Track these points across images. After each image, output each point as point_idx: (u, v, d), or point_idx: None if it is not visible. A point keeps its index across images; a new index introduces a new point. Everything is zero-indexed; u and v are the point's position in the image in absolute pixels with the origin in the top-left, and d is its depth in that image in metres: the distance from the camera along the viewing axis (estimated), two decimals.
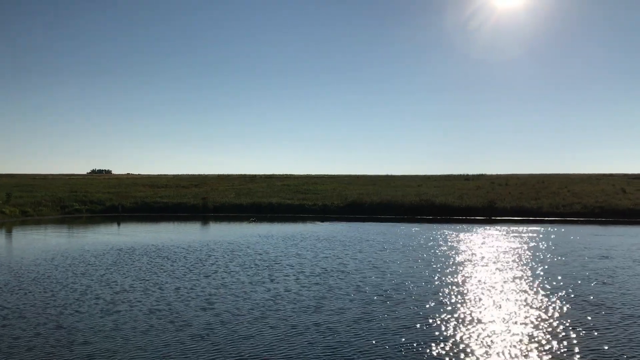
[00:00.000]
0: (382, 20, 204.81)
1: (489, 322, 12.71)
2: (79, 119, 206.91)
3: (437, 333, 11.80)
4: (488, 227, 36.90)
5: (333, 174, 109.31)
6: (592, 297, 15.33)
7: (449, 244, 27.32)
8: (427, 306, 14.24)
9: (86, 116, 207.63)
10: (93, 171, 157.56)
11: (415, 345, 11.01)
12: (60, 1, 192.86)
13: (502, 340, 11.30)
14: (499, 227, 36.96)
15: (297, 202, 52.01)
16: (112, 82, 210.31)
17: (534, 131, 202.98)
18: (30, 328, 12.25)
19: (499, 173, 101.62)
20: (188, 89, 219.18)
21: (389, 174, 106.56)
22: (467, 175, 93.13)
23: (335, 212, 48.81)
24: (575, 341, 11.28)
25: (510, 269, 20.02)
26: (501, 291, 16.13)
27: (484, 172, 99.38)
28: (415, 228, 36.43)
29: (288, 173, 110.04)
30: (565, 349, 10.79)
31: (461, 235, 31.30)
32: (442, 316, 13.19)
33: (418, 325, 12.39)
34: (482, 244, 27.47)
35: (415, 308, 14.03)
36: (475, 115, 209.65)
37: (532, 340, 11.35)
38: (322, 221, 42.27)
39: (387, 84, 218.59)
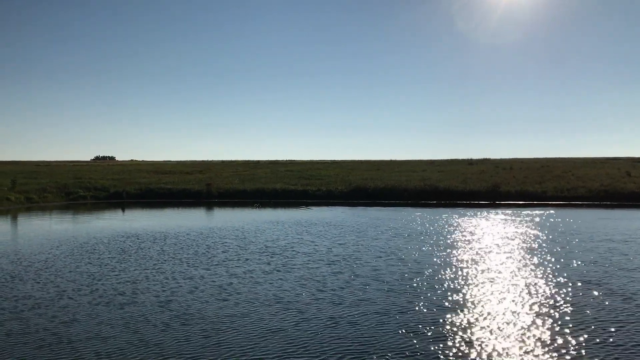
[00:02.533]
0: (384, 7, 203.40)
1: (509, 311, 12.74)
2: (82, 107, 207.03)
3: (461, 324, 11.80)
4: (493, 212, 36.84)
5: (337, 159, 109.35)
6: (596, 280, 15.34)
7: (457, 230, 27.25)
8: (449, 295, 14.01)
9: (90, 103, 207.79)
10: (97, 158, 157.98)
11: (442, 337, 11.03)
12: None
13: (517, 328, 11.34)
14: (503, 212, 36.90)
15: (300, 187, 51.99)
16: (115, 70, 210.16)
17: (538, 115, 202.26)
18: (44, 320, 12.25)
19: (502, 157, 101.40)
20: (191, 76, 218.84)
21: (393, 159, 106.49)
22: (471, 159, 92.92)
23: (339, 197, 48.78)
24: (580, 324, 11.32)
25: (521, 255, 19.95)
26: (517, 278, 16.12)
27: (487, 157, 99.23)
28: (418, 213, 36.36)
29: (292, 159, 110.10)
30: (573, 333, 10.84)
31: (467, 221, 31.25)
32: (465, 308, 13.01)
33: (442, 316, 12.37)
34: (489, 229, 27.44)
35: (438, 297, 13.81)
36: (479, 99, 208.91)
37: (546, 326, 11.41)
38: (327, 206, 42.32)
39: (391, 70, 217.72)
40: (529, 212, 36.91)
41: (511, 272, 16.52)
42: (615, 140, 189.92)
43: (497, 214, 35.29)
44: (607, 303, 12.92)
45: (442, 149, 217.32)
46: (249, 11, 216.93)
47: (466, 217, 32.78)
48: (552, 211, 37.30)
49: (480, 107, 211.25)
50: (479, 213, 35.75)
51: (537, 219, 31.70)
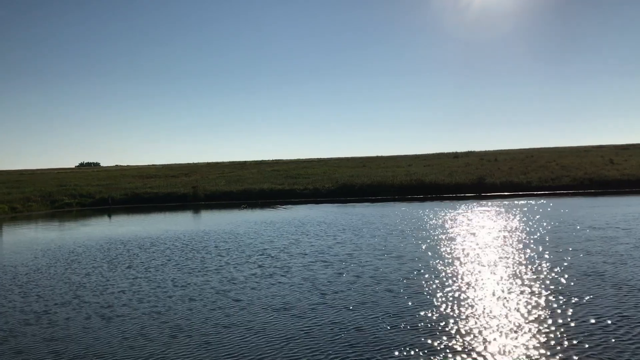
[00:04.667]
0: (366, 3, 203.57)
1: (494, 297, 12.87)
2: (65, 113, 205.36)
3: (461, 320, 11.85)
4: (480, 204, 37.09)
5: (323, 157, 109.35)
6: (582, 267, 15.60)
7: (447, 224, 27.48)
8: (451, 293, 14.14)
9: (72, 110, 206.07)
10: (81, 164, 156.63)
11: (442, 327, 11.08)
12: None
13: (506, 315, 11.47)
14: (490, 203, 37.17)
15: (287, 187, 51.99)
16: (97, 75, 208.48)
17: (522, 106, 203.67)
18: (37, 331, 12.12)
19: (487, 149, 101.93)
20: (174, 79, 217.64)
21: (379, 155, 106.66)
22: (457, 152, 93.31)
23: (326, 195, 48.84)
24: (568, 310, 11.53)
25: (513, 247, 20.21)
26: (513, 271, 16.33)
27: (473, 149, 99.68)
28: (404, 208, 36.56)
29: (278, 158, 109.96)
30: (560, 318, 11.04)
31: (455, 214, 31.50)
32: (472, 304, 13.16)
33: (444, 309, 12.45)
34: (478, 222, 27.70)
35: (441, 295, 13.93)
36: (463, 93, 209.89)
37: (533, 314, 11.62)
38: (315, 204, 42.36)
39: (374, 66, 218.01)
40: (514, 202, 37.22)
41: (506, 265, 16.52)
42: (598, 128, 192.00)
43: (483, 205, 35.57)
44: (597, 290, 13.07)
45: (427, 143, 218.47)
46: (230, 12, 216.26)
47: (454, 211, 33.00)
48: (538, 201, 37.67)
49: (464, 100, 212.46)
50: (465, 206, 36.00)
51: (523, 209, 31.98)
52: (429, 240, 21.48)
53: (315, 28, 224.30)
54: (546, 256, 17.38)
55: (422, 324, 10.86)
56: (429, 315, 11.41)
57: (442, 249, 19.37)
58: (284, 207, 41.63)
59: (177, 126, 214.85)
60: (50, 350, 10.31)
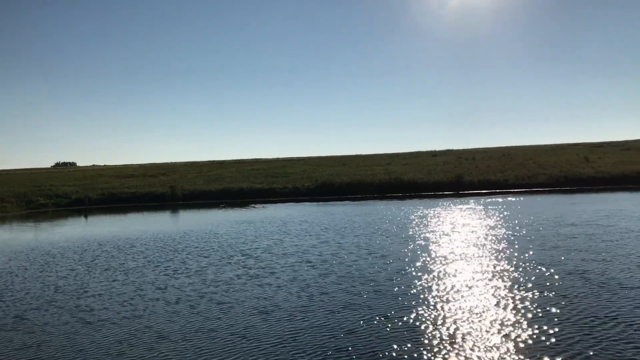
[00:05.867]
0: (349, 3, 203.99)
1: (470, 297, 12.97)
2: (41, 112, 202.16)
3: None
4: (458, 202, 37.43)
5: (302, 156, 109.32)
6: (557, 264, 15.80)
7: (428, 222, 27.70)
8: (436, 295, 14.22)
9: (48, 109, 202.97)
10: (57, 164, 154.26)
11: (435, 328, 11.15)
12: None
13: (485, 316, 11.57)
14: (467, 201, 37.53)
15: (267, 185, 51.88)
16: (73, 74, 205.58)
17: (499, 104, 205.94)
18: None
19: (465, 147, 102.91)
20: (151, 77, 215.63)
21: (358, 153, 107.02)
22: (435, 151, 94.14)
23: (306, 194, 48.85)
24: (547, 307, 11.66)
25: (494, 243, 20.45)
26: (493, 269, 16.45)
27: (451, 148, 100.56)
28: (382, 206, 36.75)
29: (257, 157, 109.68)
30: (538, 317, 11.17)
31: (435, 212, 31.77)
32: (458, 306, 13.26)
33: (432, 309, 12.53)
34: (456, 220, 27.94)
35: (426, 295, 14.01)
36: (441, 91, 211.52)
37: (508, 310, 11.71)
38: (294, 203, 42.34)
39: (354, 65, 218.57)
40: (492, 200, 37.66)
41: (492, 264, 16.73)
42: (573, 127, 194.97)
43: (462, 204, 35.90)
44: (584, 289, 13.28)
45: (406, 142, 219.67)
46: (212, 12, 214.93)
47: (434, 209, 33.23)
48: (515, 198, 38.13)
49: (442, 99, 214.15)
50: (444, 204, 36.32)
51: (499, 207, 32.37)
52: (412, 239, 21.56)
53: (296, 28, 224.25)
54: (531, 254, 17.54)
55: (412, 325, 10.88)
56: (419, 316, 11.42)
57: (426, 248, 19.45)
58: (263, 206, 41.53)
59: (155, 125, 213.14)
60: (27, 358, 10.10)
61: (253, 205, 43.03)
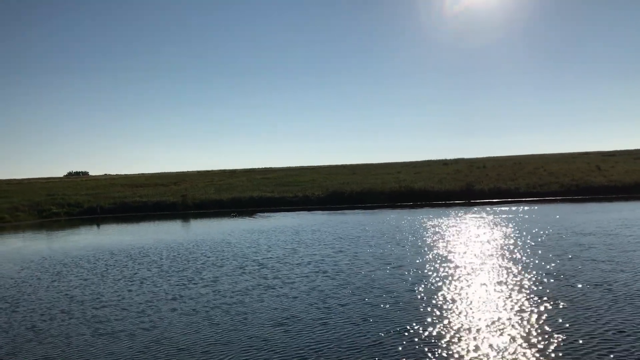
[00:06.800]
0: (356, 11, 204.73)
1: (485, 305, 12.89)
2: (53, 122, 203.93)
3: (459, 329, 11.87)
4: (469, 211, 37.26)
5: (313, 165, 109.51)
6: (564, 272, 15.55)
7: (441, 231, 27.47)
8: (458, 307, 14.11)
9: (61, 118, 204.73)
10: (70, 174, 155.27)
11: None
12: (35, 2, 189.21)
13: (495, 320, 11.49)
14: (478, 210, 37.33)
15: (277, 194, 51.94)
16: (86, 84, 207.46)
17: (510, 113, 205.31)
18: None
19: (476, 156, 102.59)
20: (163, 87, 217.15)
21: (369, 162, 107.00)
22: (446, 160, 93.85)
23: (317, 202, 48.84)
24: (571, 320, 11.45)
25: (512, 253, 20.22)
26: (499, 275, 16.30)
27: (462, 156, 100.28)
28: (394, 215, 36.59)
29: (268, 166, 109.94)
30: (563, 330, 10.97)
31: (448, 221, 31.55)
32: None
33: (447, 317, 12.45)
34: (469, 230, 27.73)
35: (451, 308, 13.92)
36: (453, 100, 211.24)
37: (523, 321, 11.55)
38: (305, 212, 42.39)
39: (363, 74, 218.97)
40: (503, 208, 37.47)
41: (513, 275, 16.55)
42: (585, 135, 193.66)
43: (474, 212, 35.71)
44: (587, 296, 13.12)
45: (417, 151, 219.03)
46: (219, 22, 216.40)
47: (446, 218, 33.02)
48: (526, 207, 37.93)
49: (453, 108, 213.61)
50: (456, 213, 36.12)
51: (511, 216, 32.18)
52: (429, 249, 21.36)
53: (303, 36, 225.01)
54: (552, 264, 17.25)
55: (434, 338, 10.73)
56: (441, 329, 11.28)
57: (444, 259, 19.21)
58: (274, 215, 41.58)
59: (166, 135, 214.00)
60: None
61: (264, 214, 43.09)
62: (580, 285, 14.33)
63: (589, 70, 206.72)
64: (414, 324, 11.56)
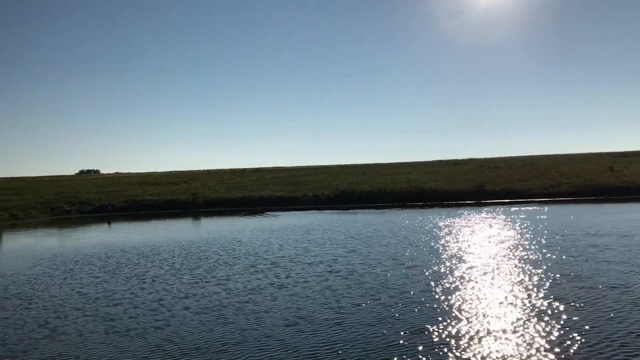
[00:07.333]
0: (366, 11, 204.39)
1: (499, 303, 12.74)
2: (65, 120, 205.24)
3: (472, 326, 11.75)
4: (480, 211, 37.00)
5: (323, 164, 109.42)
6: (581, 274, 15.33)
7: (453, 231, 27.26)
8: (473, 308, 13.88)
9: (72, 117, 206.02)
10: (81, 172, 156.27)
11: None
12: (45, 3, 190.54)
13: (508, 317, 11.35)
14: (490, 211, 37.05)
15: (287, 194, 51.92)
16: (97, 82, 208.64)
17: (522, 113, 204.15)
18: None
19: (488, 157, 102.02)
20: (174, 86, 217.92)
21: (379, 162, 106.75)
22: (457, 160, 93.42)
23: (326, 202, 48.75)
24: (591, 323, 11.26)
25: (527, 254, 20.00)
26: (510, 274, 16.13)
27: (473, 157, 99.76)
28: (404, 215, 36.41)
29: (278, 165, 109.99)
30: (583, 333, 10.78)
31: (459, 222, 31.34)
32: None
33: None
34: (483, 230, 27.51)
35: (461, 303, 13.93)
36: (464, 100, 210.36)
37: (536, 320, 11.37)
38: (315, 211, 42.32)
39: (374, 73, 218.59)
40: (516, 209, 37.16)
41: (528, 276, 16.35)
42: (597, 136, 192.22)
43: (486, 212, 35.46)
44: (606, 297, 12.92)
45: (428, 151, 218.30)
46: (227, 20, 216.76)
47: (458, 218, 32.80)
48: (538, 208, 37.63)
49: (465, 108, 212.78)
50: (467, 213, 35.88)
51: (522, 216, 31.90)
52: (442, 250, 21.19)
53: (313, 35, 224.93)
54: (569, 266, 17.00)
55: (450, 340, 10.59)
56: (457, 330, 11.13)
57: (458, 259, 19.02)
58: (284, 214, 41.52)
59: (177, 133, 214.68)
60: None
61: (273, 213, 43.05)
62: (599, 287, 14.10)
63: (602, 70, 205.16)
64: (430, 326, 11.40)
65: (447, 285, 15.11)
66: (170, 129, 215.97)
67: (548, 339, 10.31)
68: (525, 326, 11.14)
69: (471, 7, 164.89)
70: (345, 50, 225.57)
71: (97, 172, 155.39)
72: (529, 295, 13.58)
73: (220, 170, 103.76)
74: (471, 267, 17.43)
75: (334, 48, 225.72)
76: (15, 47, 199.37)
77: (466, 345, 10.21)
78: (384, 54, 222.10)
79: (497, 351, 9.82)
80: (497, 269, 17.02)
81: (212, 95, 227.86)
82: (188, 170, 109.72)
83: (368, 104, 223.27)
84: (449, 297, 13.70)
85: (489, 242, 22.73)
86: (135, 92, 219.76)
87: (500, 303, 12.98)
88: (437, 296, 13.90)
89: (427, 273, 16.81)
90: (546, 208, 37.59)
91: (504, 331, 10.88)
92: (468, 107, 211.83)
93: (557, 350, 9.76)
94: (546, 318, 11.62)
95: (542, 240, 22.62)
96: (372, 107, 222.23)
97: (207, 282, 16.92)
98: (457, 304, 13.02)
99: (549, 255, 19.06)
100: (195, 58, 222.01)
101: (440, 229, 27.88)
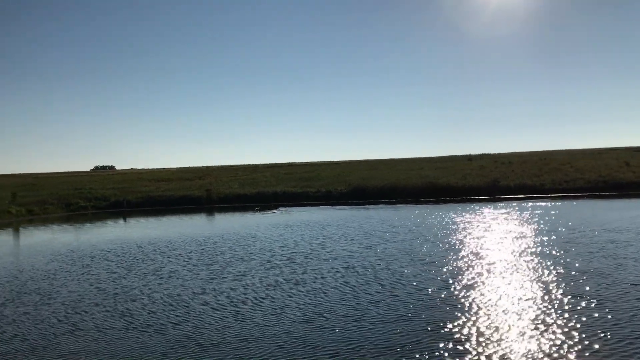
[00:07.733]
0: (377, 7, 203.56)
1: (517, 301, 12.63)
2: (80, 117, 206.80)
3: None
4: (494, 207, 36.75)
5: (336, 160, 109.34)
6: (601, 271, 15.12)
7: (469, 227, 27.12)
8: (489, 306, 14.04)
9: (88, 113, 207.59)
10: (96, 168, 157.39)
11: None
12: (60, 1, 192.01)
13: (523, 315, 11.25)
14: (504, 206, 36.78)
15: (300, 189, 51.95)
16: (112, 79, 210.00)
17: (536, 108, 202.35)
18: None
19: (501, 152, 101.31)
20: (188, 82, 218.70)
21: (392, 157, 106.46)
22: (470, 155, 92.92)
23: (339, 197, 48.73)
24: (615, 322, 11.12)
25: (545, 250, 19.83)
26: (528, 272, 16.00)
27: (487, 152, 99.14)
28: (418, 211, 36.26)
29: (291, 161, 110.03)
30: (611, 331, 10.64)
31: (474, 217, 31.16)
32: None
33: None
34: (498, 225, 27.31)
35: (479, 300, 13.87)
36: (477, 95, 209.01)
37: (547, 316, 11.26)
38: (328, 206, 42.30)
39: (386, 68, 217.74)
40: (530, 204, 36.86)
41: (540, 271, 16.18)
42: (613, 130, 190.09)
43: (500, 208, 35.20)
44: (629, 294, 12.73)
45: (440, 146, 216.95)
46: (242, 16, 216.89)
47: (473, 214, 32.60)
48: (552, 203, 37.31)
49: (478, 102, 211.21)
50: (481, 209, 35.64)
51: (537, 212, 31.63)
52: (459, 246, 21.04)
53: (324, 30, 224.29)
54: (589, 262, 16.76)
55: (470, 338, 10.49)
56: (477, 328, 11.03)
57: (476, 255, 18.86)
58: (297, 209, 41.55)
59: (191, 130, 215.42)
60: None
61: (287, 208, 43.09)
62: (620, 284, 13.91)
63: (618, 64, 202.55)
64: (450, 323, 11.31)
65: (466, 281, 15.00)
66: (184, 126, 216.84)
67: (569, 337, 10.18)
68: (546, 323, 11.00)
69: (484, 1, 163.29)
70: (357, 45, 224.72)
71: (112, 168, 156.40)
72: (549, 292, 13.42)
73: (233, 166, 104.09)
74: (489, 264, 17.29)
75: (345, 43, 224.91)
76: (31, 45, 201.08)
77: (487, 342, 10.11)
78: (395, 49, 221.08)
79: (518, 349, 9.71)
80: (516, 265, 16.88)
81: (226, 92, 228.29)
82: (202, 166, 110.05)
83: (381, 99, 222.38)
84: (468, 294, 13.59)
85: (506, 237, 22.57)
86: (150, 90, 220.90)
87: (520, 299, 12.85)
88: (456, 292, 13.80)
89: (444, 269, 16.70)
90: (561, 203, 37.24)
91: (525, 328, 10.77)
92: (481, 102, 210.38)
93: (578, 347, 9.63)
94: (566, 315, 11.48)
95: (560, 236, 22.41)
96: (385, 102, 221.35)
97: (224, 277, 16.94)
98: (476, 301, 12.91)
99: (567, 251, 18.86)
100: (210, 55, 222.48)
101: (456, 224, 27.73)
